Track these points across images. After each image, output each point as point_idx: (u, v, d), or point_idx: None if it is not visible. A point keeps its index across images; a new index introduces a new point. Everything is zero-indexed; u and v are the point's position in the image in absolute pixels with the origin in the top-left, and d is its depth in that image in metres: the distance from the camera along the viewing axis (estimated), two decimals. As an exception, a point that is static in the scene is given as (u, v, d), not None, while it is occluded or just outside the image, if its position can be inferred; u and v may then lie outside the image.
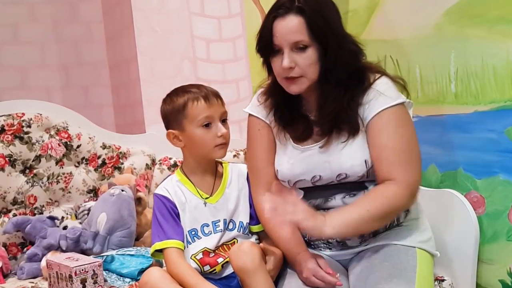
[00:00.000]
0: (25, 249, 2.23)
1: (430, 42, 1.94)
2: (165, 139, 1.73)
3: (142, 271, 1.79)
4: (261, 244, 1.62)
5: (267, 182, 1.70)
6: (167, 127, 1.71)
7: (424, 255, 1.64)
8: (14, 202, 2.30)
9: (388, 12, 2.09)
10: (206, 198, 1.70)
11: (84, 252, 2.07)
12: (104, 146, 2.48)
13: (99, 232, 2.13)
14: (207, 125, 1.65)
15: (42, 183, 2.35)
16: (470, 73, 1.82)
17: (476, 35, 1.78)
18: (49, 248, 2.09)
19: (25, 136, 2.33)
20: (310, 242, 1.69)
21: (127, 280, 1.90)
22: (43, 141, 2.36)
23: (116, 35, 2.97)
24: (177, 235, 1.65)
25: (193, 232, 1.68)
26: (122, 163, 2.50)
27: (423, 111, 1.98)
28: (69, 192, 2.40)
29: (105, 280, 1.84)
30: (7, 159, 2.28)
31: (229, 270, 1.67)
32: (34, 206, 2.33)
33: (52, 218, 2.24)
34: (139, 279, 1.73)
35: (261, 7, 2.73)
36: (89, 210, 2.25)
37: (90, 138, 2.46)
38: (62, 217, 2.33)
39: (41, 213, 2.33)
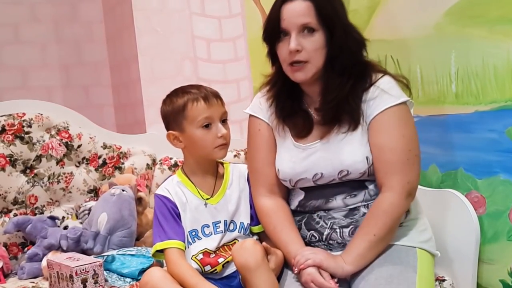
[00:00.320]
0: (25, 249, 2.23)
1: (430, 42, 1.94)
2: (166, 139, 1.73)
3: (142, 271, 1.79)
4: (263, 243, 1.62)
5: (267, 183, 1.71)
6: (167, 128, 1.71)
7: (424, 255, 1.64)
8: (15, 202, 2.30)
9: (389, 12, 2.09)
10: (207, 199, 1.70)
11: (85, 252, 2.07)
12: (104, 146, 2.48)
13: (100, 232, 2.13)
14: (207, 126, 1.65)
15: (43, 183, 2.35)
16: (470, 73, 1.82)
17: (477, 35, 1.78)
18: (49, 248, 2.08)
19: (26, 136, 2.33)
20: (310, 244, 1.69)
21: (128, 280, 1.90)
22: (43, 141, 2.36)
23: (117, 35, 2.97)
24: (177, 236, 1.65)
25: (193, 233, 1.68)
26: (123, 163, 2.50)
27: (424, 111, 1.97)
28: (70, 192, 2.40)
29: (106, 280, 1.83)
30: (7, 159, 2.28)
31: (230, 270, 1.67)
32: (35, 206, 2.33)
33: (52, 218, 2.24)
34: (139, 279, 1.73)
35: (261, 7, 2.72)
36: (89, 210, 2.25)
37: (90, 138, 2.46)
38: (63, 217, 2.33)
39: (42, 213, 2.33)
